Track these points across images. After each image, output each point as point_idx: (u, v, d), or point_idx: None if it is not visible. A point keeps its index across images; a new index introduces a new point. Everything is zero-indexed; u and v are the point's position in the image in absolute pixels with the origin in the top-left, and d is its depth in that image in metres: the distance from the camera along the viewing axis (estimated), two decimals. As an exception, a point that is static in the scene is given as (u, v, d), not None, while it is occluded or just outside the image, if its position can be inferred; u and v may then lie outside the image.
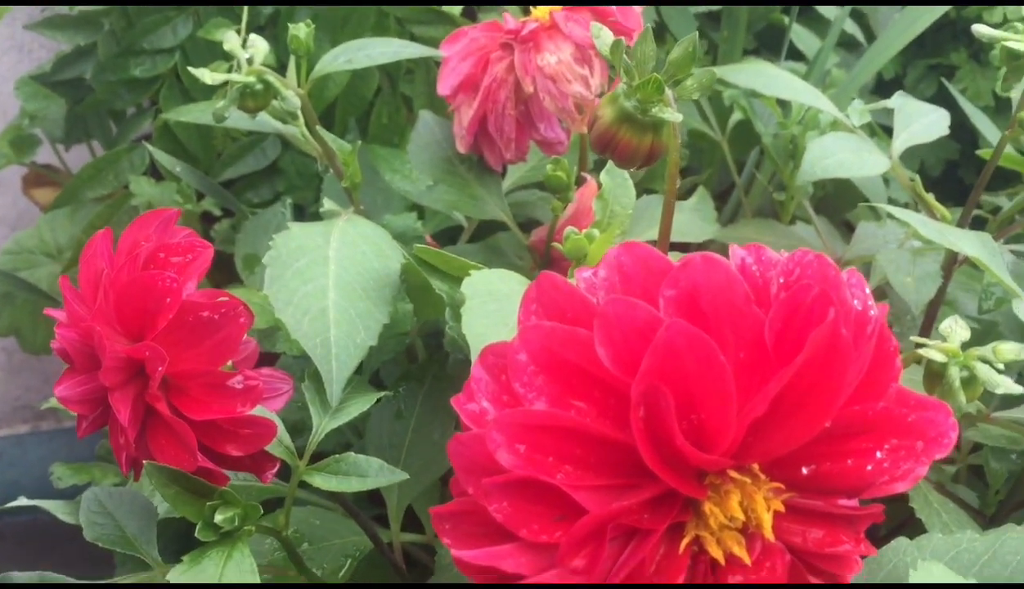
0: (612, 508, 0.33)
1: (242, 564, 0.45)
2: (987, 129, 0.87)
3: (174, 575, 0.44)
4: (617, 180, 0.59)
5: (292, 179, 0.93)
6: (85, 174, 0.88)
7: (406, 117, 0.92)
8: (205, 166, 0.88)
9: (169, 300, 0.44)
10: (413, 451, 0.63)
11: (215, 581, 0.44)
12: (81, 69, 0.89)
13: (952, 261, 0.71)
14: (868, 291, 0.36)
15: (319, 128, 0.63)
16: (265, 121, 0.66)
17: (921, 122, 0.76)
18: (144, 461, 0.44)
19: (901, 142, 0.73)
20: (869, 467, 0.34)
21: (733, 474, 0.34)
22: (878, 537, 0.60)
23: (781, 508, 0.35)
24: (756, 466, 0.35)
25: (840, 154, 0.68)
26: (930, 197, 0.70)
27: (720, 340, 0.32)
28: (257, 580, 0.44)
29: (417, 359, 0.73)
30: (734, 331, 0.33)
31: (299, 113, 0.64)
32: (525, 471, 0.33)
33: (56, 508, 0.66)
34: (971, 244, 0.63)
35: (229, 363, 0.47)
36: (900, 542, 0.61)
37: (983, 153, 0.79)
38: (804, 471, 0.35)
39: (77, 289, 0.47)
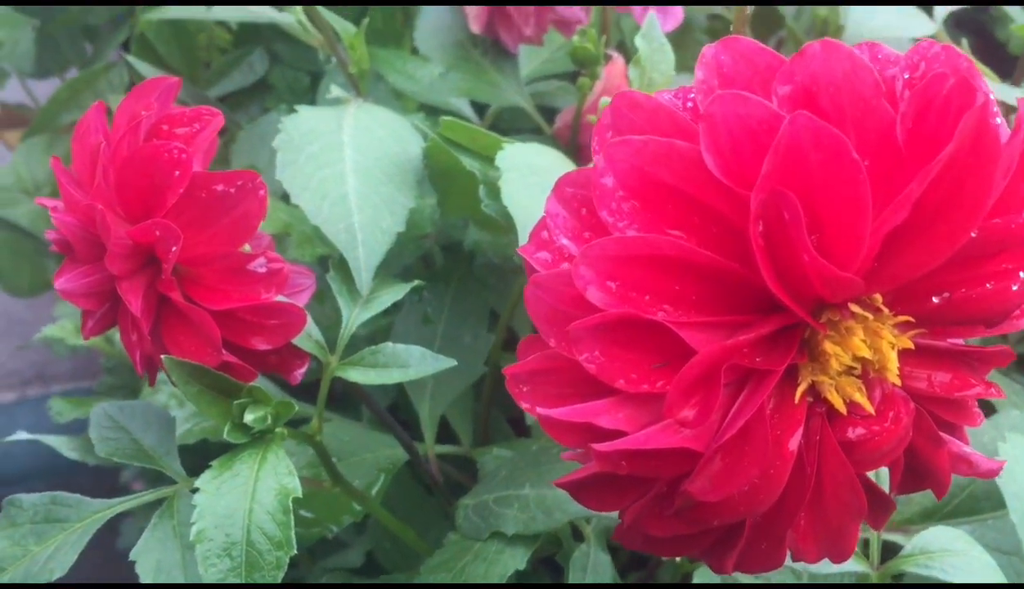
0: (725, 345, 0.28)
1: (278, 467, 0.40)
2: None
3: (204, 482, 0.39)
4: (655, 45, 0.54)
5: (283, 95, 0.87)
6: (60, 96, 0.82)
7: (402, 22, 0.86)
8: (190, 81, 0.82)
9: (178, 173, 0.38)
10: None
11: (250, 487, 0.39)
12: (50, -16, 0.82)
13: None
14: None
15: (320, 8, 0.57)
16: (258, 11, 0.61)
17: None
18: (162, 356, 0.39)
19: (942, 8, 0.68)
20: (1015, 287, 0.29)
21: (855, 308, 0.30)
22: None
23: (909, 345, 0.31)
24: (879, 298, 0.30)
25: (884, 15, 0.63)
26: (979, 63, 0.66)
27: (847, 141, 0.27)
28: (297, 484, 0.40)
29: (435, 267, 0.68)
30: (861, 130, 0.28)
31: (296, -3, 0.59)
32: (621, 309, 0.28)
33: (60, 443, 0.61)
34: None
35: (247, 246, 0.41)
36: (975, 420, 0.57)
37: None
38: (935, 300, 0.30)
39: (71, 171, 0.42)
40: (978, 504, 0.54)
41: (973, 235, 0.29)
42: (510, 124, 0.70)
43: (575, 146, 0.62)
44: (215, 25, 0.81)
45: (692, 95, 0.31)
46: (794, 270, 0.28)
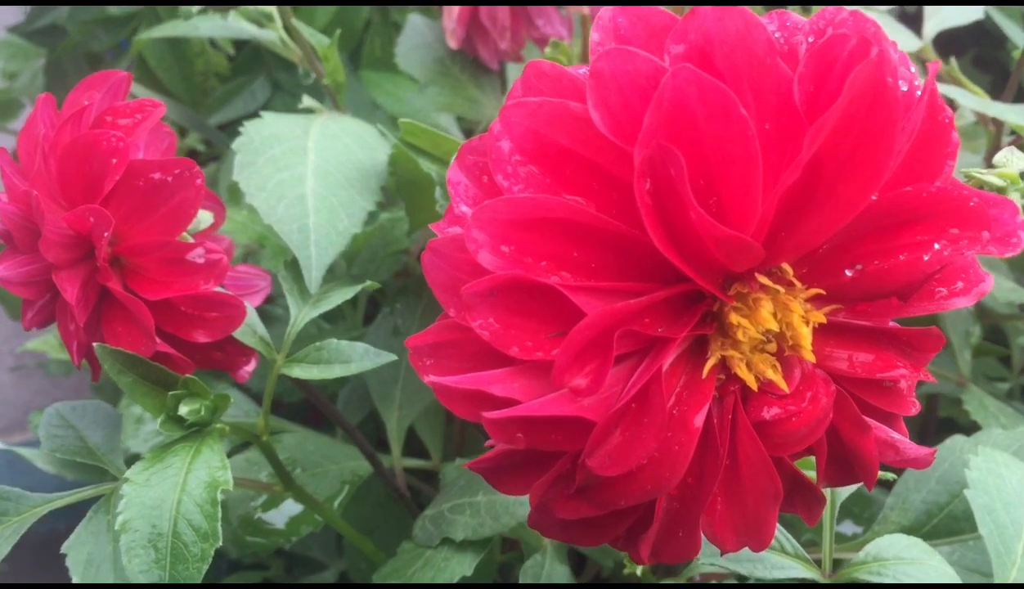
0: (616, 308, 0.27)
1: (212, 460, 0.39)
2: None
3: (134, 473, 0.39)
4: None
5: (284, 123, 0.88)
6: (65, 122, 0.83)
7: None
8: (191, 107, 0.83)
9: (115, 161, 0.39)
10: (412, 369, 0.57)
11: (181, 478, 0.39)
12: (56, 14, 0.84)
13: (995, 147, 0.65)
14: (914, 70, 0.30)
15: (295, 21, 0.58)
16: (241, 27, 0.61)
17: (952, 9, 0.70)
18: (95, 344, 0.39)
19: (933, 25, 0.68)
20: (926, 257, 0.28)
21: (763, 280, 0.29)
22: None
23: (822, 320, 0.30)
24: (790, 271, 0.29)
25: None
26: (966, 81, 0.65)
27: (740, 102, 0.26)
28: (229, 477, 0.39)
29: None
30: (757, 92, 0.27)
31: (275, 14, 0.59)
32: (513, 271, 0.27)
33: (34, 456, 0.61)
34: (1017, 114, 0.58)
35: (187, 235, 0.41)
36: (956, 440, 0.55)
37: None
38: (848, 274, 0.30)
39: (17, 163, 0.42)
40: (958, 524, 0.52)
41: (878, 198, 0.28)
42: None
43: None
44: (212, 51, 0.83)
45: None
46: (687, 232, 0.27)
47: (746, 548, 0.40)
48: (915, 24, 0.73)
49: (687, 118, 0.26)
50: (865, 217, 0.28)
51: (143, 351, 0.40)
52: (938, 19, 0.68)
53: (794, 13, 0.30)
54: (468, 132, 0.73)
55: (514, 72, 0.70)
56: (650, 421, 0.28)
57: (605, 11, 0.29)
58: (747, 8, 0.27)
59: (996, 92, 0.64)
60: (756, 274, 0.29)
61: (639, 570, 0.48)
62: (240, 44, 0.87)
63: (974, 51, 1.06)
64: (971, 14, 0.70)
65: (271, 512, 0.55)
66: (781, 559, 0.40)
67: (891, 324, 0.31)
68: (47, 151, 0.39)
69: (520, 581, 0.45)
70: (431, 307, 0.59)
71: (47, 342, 0.72)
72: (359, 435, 0.52)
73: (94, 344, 0.39)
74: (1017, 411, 0.65)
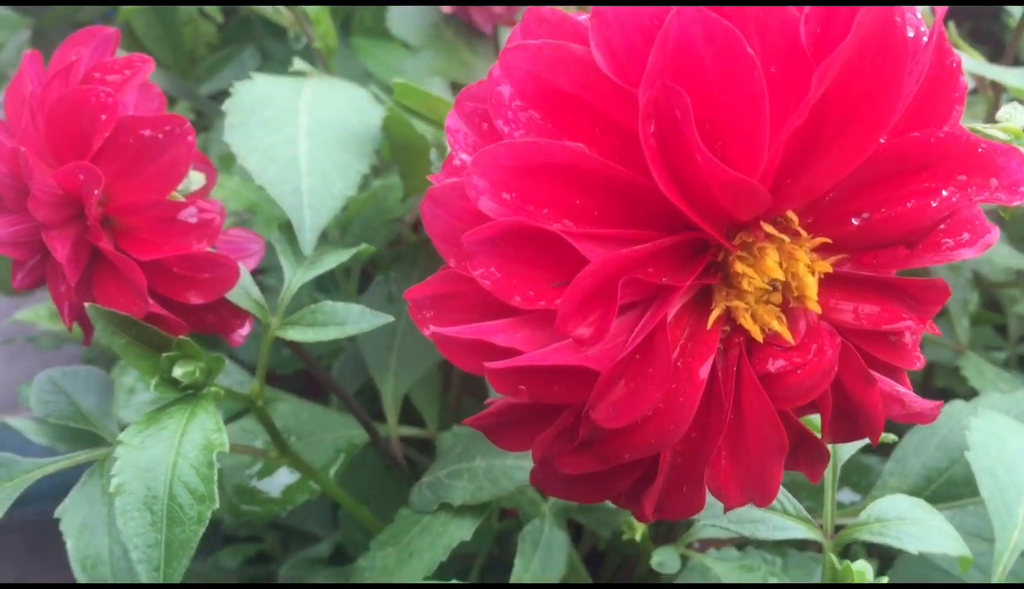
0: (620, 254, 0.26)
1: (207, 423, 0.39)
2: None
3: (128, 435, 0.38)
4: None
5: (275, 94, 0.87)
6: (52, 93, 0.82)
7: (391, 15, 0.85)
8: (180, 77, 0.82)
9: (104, 117, 0.38)
10: (408, 336, 0.57)
11: (176, 441, 0.38)
12: (43, -18, 0.83)
13: (993, 113, 0.64)
14: (920, 16, 0.30)
15: (286, -16, 0.57)
16: (231, -9, 0.60)
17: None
18: (87, 305, 0.38)
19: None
20: (934, 204, 0.28)
21: (768, 229, 0.28)
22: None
23: (828, 269, 0.29)
24: (796, 219, 0.29)
25: None
26: (964, 45, 0.64)
27: (747, 42, 0.26)
28: (225, 439, 0.38)
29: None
30: (762, 33, 0.26)
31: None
32: (515, 218, 0.27)
33: (27, 428, 0.60)
34: (1016, 77, 0.57)
35: (179, 195, 0.41)
36: (955, 405, 0.54)
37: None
38: (855, 222, 0.29)
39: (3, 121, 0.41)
40: (957, 489, 0.52)
41: (886, 143, 0.27)
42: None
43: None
44: (200, 20, 0.82)
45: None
46: (693, 177, 0.26)
47: (748, 509, 0.40)
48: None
49: (692, 58, 0.25)
50: (872, 163, 0.28)
51: (136, 312, 0.39)
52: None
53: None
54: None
55: (503, 35, 0.69)
56: (654, 372, 0.27)
57: (607, -48, 0.28)
58: (754, -53, 0.27)
59: (992, 62, 0.64)
60: (761, 222, 0.28)
61: (638, 535, 0.48)
62: (229, 12, 0.86)
63: (970, 24, 1.05)
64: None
65: (265, 481, 0.54)
66: (783, 520, 0.39)
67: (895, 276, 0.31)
68: (34, 108, 0.39)
69: (520, 546, 0.45)
70: (427, 273, 0.59)
71: (37, 313, 0.71)
72: (354, 402, 0.52)
73: (86, 305, 0.38)
74: (1015, 378, 0.65)
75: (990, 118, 0.64)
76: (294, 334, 0.42)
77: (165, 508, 0.37)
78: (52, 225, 0.39)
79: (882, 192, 0.28)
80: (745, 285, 0.28)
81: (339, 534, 0.67)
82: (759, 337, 0.29)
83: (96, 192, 0.37)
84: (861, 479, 0.59)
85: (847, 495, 0.61)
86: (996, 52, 0.96)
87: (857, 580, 0.36)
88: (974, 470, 0.44)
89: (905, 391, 0.32)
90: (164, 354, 0.40)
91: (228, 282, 0.40)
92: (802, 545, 0.54)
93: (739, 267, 0.28)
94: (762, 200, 0.27)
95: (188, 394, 0.40)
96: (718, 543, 0.53)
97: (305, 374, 0.72)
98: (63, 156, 0.39)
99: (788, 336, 0.29)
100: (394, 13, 0.64)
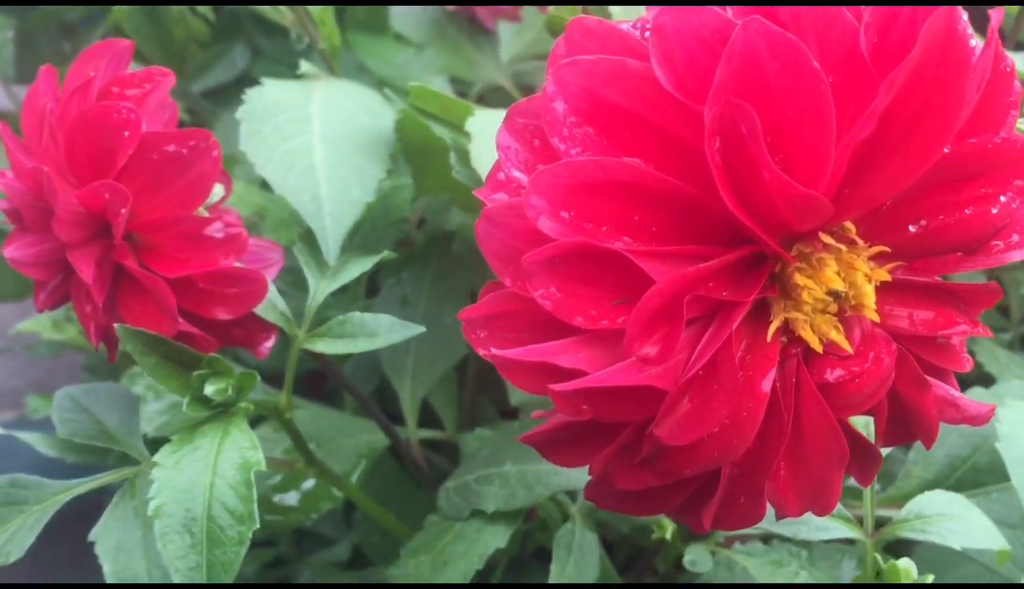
0: (687, 273, 0.26)
1: (241, 440, 0.38)
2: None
3: (163, 456, 0.38)
4: (630, 11, 0.52)
5: (266, 90, 0.86)
6: (40, 95, 0.80)
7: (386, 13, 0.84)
8: (171, 77, 0.81)
9: (127, 134, 0.37)
10: (425, 339, 0.56)
11: (211, 460, 0.38)
12: (27, -18, 0.81)
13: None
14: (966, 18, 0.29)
15: (289, -16, 0.56)
16: (230, -9, 0.59)
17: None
18: (116, 326, 0.38)
19: None
20: (994, 211, 0.28)
21: (826, 239, 0.28)
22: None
23: (887, 278, 0.29)
24: (852, 229, 0.28)
25: None
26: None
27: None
28: (260, 457, 0.38)
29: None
30: (822, 44, 0.26)
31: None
32: (576, 238, 0.26)
33: (35, 440, 0.60)
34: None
35: (203, 209, 0.40)
36: (975, 392, 0.55)
37: None
38: (912, 229, 0.29)
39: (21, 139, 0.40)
40: (980, 477, 0.52)
41: (946, 151, 0.27)
42: (492, 106, 0.69)
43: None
44: (192, 17, 0.80)
45: (649, 25, 0.29)
46: (757, 192, 0.26)
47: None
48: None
49: (757, 73, 0.25)
50: (930, 171, 0.27)
51: (165, 331, 0.38)
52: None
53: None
54: (461, 94, 0.71)
55: (505, 31, 0.68)
56: (720, 388, 0.27)
57: (658, -37, 0.28)
58: (811, -44, 0.26)
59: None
60: (820, 233, 0.28)
61: (668, 534, 0.48)
62: (218, 9, 0.85)
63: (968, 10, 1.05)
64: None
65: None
66: (825, 520, 0.39)
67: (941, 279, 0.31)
68: (54, 126, 0.38)
69: (555, 551, 0.45)
70: (440, 275, 0.58)
71: (39, 323, 0.70)
72: (375, 407, 0.51)
73: (115, 325, 0.37)
74: None
75: None
76: (323, 346, 0.42)
77: (205, 530, 0.36)
78: (76, 244, 0.38)
79: (939, 198, 0.28)
80: (805, 296, 0.28)
81: (353, 536, 0.67)
82: (818, 348, 0.29)
83: (123, 211, 0.37)
84: (883, 468, 0.59)
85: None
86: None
87: (904, 579, 0.36)
88: (1005, 460, 0.45)
89: (958, 395, 0.31)
90: (195, 372, 0.39)
91: (257, 296, 0.40)
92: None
93: (799, 279, 0.28)
94: (826, 213, 0.27)
95: (219, 412, 0.40)
96: (743, 537, 0.53)
97: (311, 375, 0.71)
98: (84, 174, 0.38)
99: (846, 345, 0.29)
100: (397, 10, 0.63)
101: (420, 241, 0.66)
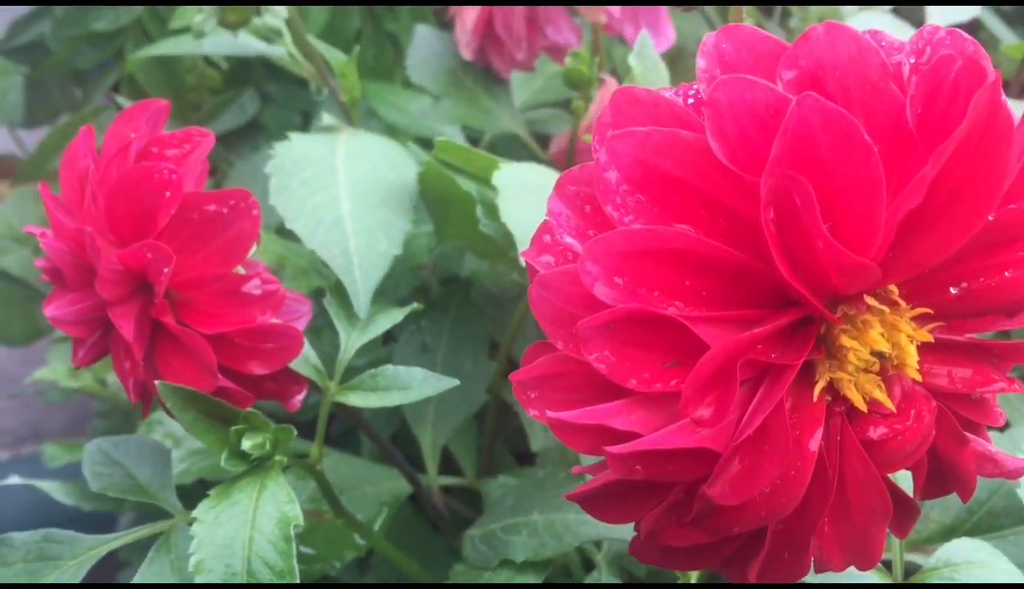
0: (741, 338, 0.27)
1: (279, 494, 0.39)
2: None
3: (201, 511, 0.38)
4: (648, 64, 0.53)
5: (274, 135, 0.87)
6: (49, 142, 0.81)
7: (392, 57, 0.85)
8: (180, 123, 0.82)
9: (169, 194, 0.38)
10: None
11: (250, 515, 0.38)
12: (39, 30, 0.82)
13: None
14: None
15: (310, 37, 0.57)
16: (248, 44, 0.60)
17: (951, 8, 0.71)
18: (157, 382, 0.38)
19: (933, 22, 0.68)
20: (1034, 273, 0.28)
21: (870, 301, 0.29)
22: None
23: (929, 339, 0.30)
24: (896, 290, 0.29)
25: (878, 24, 0.62)
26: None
27: (856, 125, 0.26)
28: (298, 512, 0.38)
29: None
30: (870, 115, 0.27)
31: (284, 29, 0.58)
32: (632, 304, 0.27)
33: (54, 489, 0.60)
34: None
35: (240, 267, 0.40)
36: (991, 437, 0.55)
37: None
38: (953, 291, 0.30)
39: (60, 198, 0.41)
40: (997, 520, 0.53)
41: (991, 219, 0.28)
42: (504, 153, 0.70)
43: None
44: (205, 65, 0.81)
45: (692, 91, 0.30)
46: (807, 259, 0.27)
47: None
48: (909, 20, 0.74)
49: (810, 146, 0.26)
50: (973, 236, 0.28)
51: (203, 386, 0.39)
52: (937, 17, 0.69)
53: (884, 32, 0.30)
54: (473, 141, 0.72)
55: (518, 81, 0.69)
56: (771, 449, 0.28)
57: (708, 38, 0.29)
58: (854, 31, 0.27)
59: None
60: (864, 295, 0.29)
61: (694, 578, 0.48)
62: (229, 57, 0.86)
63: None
64: (968, 12, 0.71)
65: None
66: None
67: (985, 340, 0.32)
68: (95, 187, 0.38)
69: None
70: (459, 322, 0.59)
71: (56, 370, 0.70)
72: (399, 455, 0.52)
73: (156, 382, 0.38)
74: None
75: None
76: (355, 399, 0.42)
77: (246, 585, 0.37)
78: (116, 302, 0.38)
79: (979, 261, 0.29)
80: (851, 357, 0.29)
81: (371, 579, 0.67)
82: (863, 407, 0.29)
83: (166, 270, 0.37)
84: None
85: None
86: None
87: (937, 630, 0.37)
88: (1026, 505, 0.45)
89: (995, 449, 0.32)
90: (232, 428, 0.39)
91: (293, 351, 0.40)
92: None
93: (845, 340, 0.29)
94: (874, 278, 0.27)
95: (255, 466, 0.40)
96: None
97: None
98: (123, 233, 0.38)
99: (889, 404, 0.30)
100: (413, 61, 0.64)
101: (435, 287, 0.66)
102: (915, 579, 0.40)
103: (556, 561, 0.55)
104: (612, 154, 0.28)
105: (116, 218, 0.38)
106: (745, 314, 0.28)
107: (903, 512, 0.33)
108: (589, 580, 0.46)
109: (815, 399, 0.29)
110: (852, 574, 0.40)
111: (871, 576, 0.40)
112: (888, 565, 0.42)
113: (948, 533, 0.53)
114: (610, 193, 0.28)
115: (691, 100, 0.30)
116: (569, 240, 0.29)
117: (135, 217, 0.38)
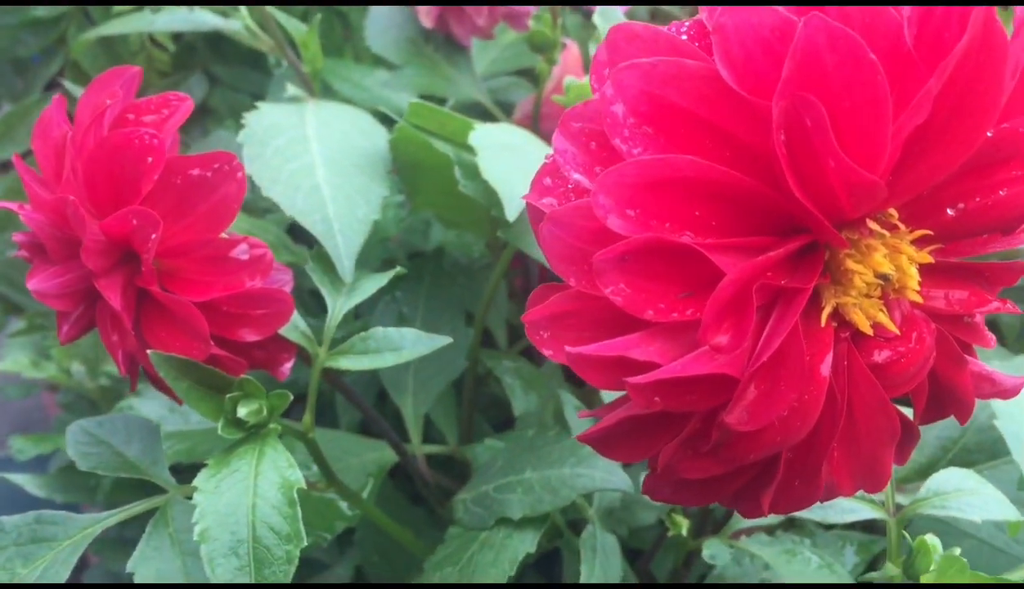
0: (755, 263, 0.27)
1: (278, 460, 0.38)
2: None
3: (201, 481, 0.37)
4: (612, 21, 0.54)
5: (223, 117, 0.85)
6: (-6, 133, 0.79)
7: (343, 33, 0.84)
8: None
9: (151, 160, 0.37)
10: (424, 356, 0.57)
11: (251, 482, 0.38)
12: (-23, 19, 0.80)
13: None
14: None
15: (269, 9, 0.56)
16: (203, 18, 0.59)
17: None
18: (149, 352, 0.37)
19: None
20: (1029, 190, 0.29)
21: (873, 225, 0.29)
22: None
23: (929, 260, 0.30)
24: (895, 214, 0.30)
25: None
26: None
27: (858, 47, 0.27)
28: (299, 476, 0.38)
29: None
30: (871, 37, 0.27)
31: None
32: (647, 234, 0.27)
33: (26, 482, 0.59)
34: None
35: (226, 232, 0.40)
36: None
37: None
38: (950, 212, 0.30)
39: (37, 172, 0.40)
40: (971, 456, 0.54)
41: (989, 135, 0.28)
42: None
43: (537, 135, 0.61)
44: (153, 47, 0.80)
45: (684, 28, 0.30)
46: (817, 181, 0.27)
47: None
48: None
49: (818, 66, 0.26)
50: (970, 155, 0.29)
51: (196, 355, 0.38)
52: None
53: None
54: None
55: (479, 49, 0.69)
56: (787, 373, 0.28)
57: (710, -32, 0.29)
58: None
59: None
60: (867, 219, 0.29)
61: (684, 530, 0.49)
62: (175, 39, 0.84)
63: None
64: None
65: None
66: (851, 503, 0.41)
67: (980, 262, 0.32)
68: (73, 157, 0.37)
69: (584, 553, 0.45)
70: (434, 291, 0.59)
71: (18, 362, 0.68)
72: (384, 423, 0.51)
73: (149, 352, 0.37)
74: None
75: None
76: (346, 363, 0.42)
77: (251, 551, 0.36)
78: (102, 273, 0.38)
79: (975, 181, 0.30)
80: (856, 281, 0.29)
81: (348, 559, 0.67)
82: (868, 330, 0.30)
83: (154, 236, 0.36)
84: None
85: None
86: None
87: (934, 553, 0.38)
88: (1004, 435, 0.47)
89: (992, 369, 0.33)
90: (227, 395, 0.39)
91: (284, 316, 0.40)
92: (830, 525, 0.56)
93: (850, 264, 0.29)
94: (880, 197, 0.28)
95: (252, 433, 0.39)
96: (749, 530, 0.54)
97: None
98: (104, 202, 0.38)
99: (892, 327, 0.30)
100: (372, 31, 0.63)
101: (403, 261, 0.66)
102: (907, 509, 0.41)
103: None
104: (618, 86, 0.28)
105: (96, 187, 0.38)
106: (755, 241, 0.28)
107: (905, 436, 0.33)
108: (586, 536, 0.47)
109: (823, 324, 0.29)
110: (851, 510, 0.41)
111: (867, 511, 0.41)
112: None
113: (925, 472, 0.54)
114: (617, 126, 0.28)
115: (683, 36, 0.30)
116: (577, 176, 0.29)
117: (116, 185, 0.37)
